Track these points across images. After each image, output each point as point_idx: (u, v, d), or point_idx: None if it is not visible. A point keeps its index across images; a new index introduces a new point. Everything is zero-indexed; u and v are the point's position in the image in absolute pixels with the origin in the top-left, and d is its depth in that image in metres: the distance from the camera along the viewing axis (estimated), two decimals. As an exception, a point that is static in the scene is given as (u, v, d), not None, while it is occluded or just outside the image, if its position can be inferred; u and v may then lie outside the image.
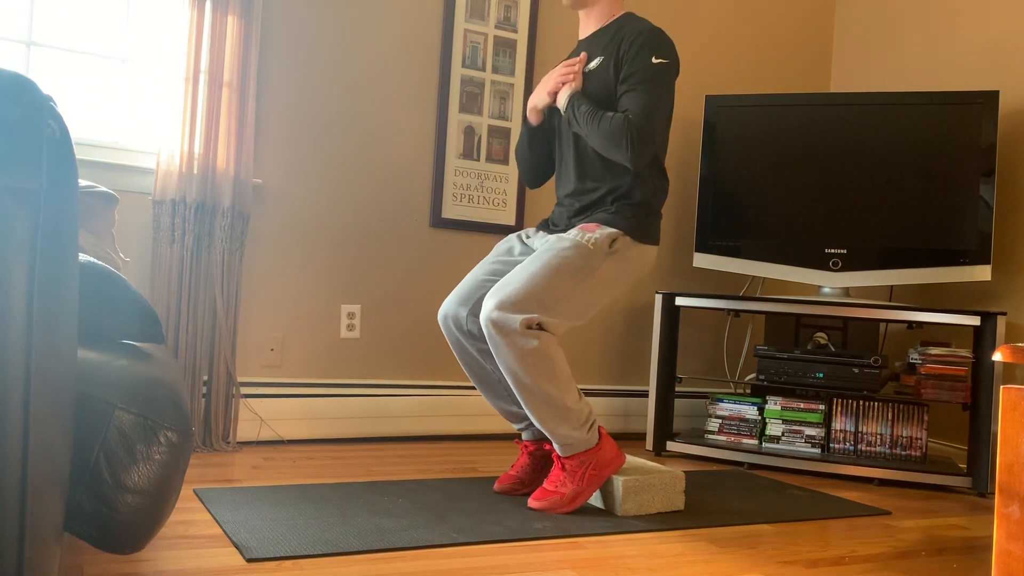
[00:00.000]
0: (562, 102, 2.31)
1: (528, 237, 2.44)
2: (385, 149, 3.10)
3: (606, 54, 2.30)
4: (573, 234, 2.23)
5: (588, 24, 2.42)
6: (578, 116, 2.25)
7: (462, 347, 2.35)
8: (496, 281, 2.34)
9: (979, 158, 3.00)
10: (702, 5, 3.69)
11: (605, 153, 2.23)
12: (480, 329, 2.30)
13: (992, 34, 3.29)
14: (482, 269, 2.39)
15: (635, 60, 2.23)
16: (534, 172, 2.53)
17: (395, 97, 3.10)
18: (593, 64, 2.33)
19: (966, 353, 2.92)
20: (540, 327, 2.12)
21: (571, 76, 2.31)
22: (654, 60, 2.23)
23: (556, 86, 2.34)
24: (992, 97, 2.98)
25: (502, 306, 2.09)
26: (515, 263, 2.38)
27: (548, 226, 2.43)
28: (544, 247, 2.23)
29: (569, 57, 2.43)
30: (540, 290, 2.12)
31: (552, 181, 3.23)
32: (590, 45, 2.38)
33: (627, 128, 2.16)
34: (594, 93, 2.29)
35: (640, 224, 2.28)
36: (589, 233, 2.22)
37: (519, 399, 2.17)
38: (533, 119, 2.43)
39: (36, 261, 0.91)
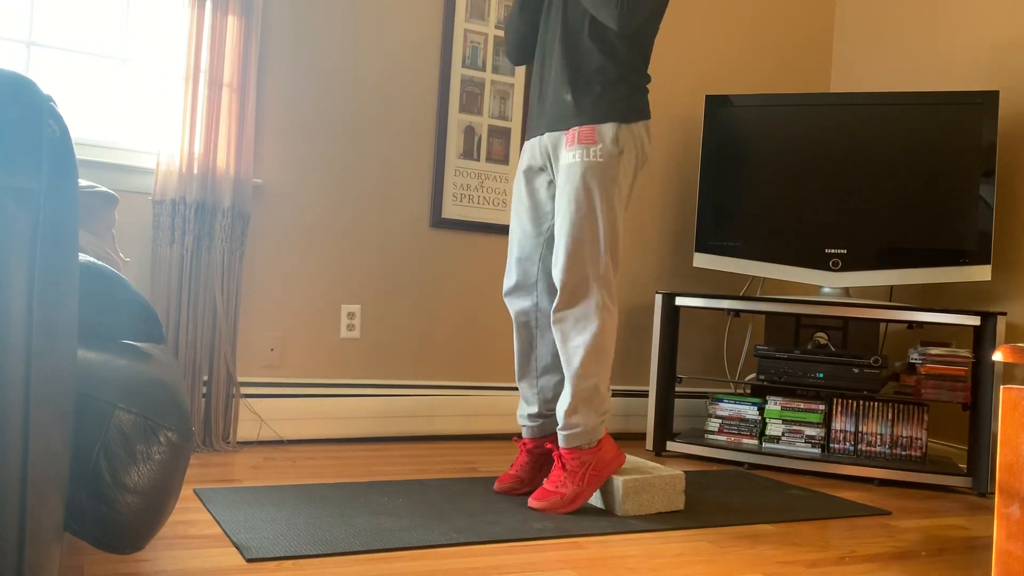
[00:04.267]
0: None
1: (541, 168, 2.40)
2: (385, 149, 3.10)
3: None
4: (578, 155, 2.24)
5: None
6: None
7: (530, 330, 2.43)
8: (539, 242, 2.39)
9: (979, 158, 2.99)
10: (702, 5, 3.69)
11: (594, 10, 2.22)
12: (549, 301, 2.40)
13: (992, 34, 3.29)
14: (518, 235, 2.42)
15: None
16: (521, 40, 2.50)
17: (395, 97, 3.10)
18: None
19: (966, 353, 2.92)
20: (608, 297, 2.23)
21: None
22: None
23: None
24: (992, 97, 2.98)
25: (565, 299, 2.22)
26: (544, 213, 2.39)
27: (536, 131, 2.39)
28: (562, 188, 2.26)
29: None
30: (587, 247, 2.21)
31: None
32: None
33: None
34: None
35: (629, 105, 2.28)
36: (592, 146, 2.24)
37: (569, 376, 2.24)
38: None
39: (36, 261, 0.91)
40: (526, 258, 2.41)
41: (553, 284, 2.38)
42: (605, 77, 2.27)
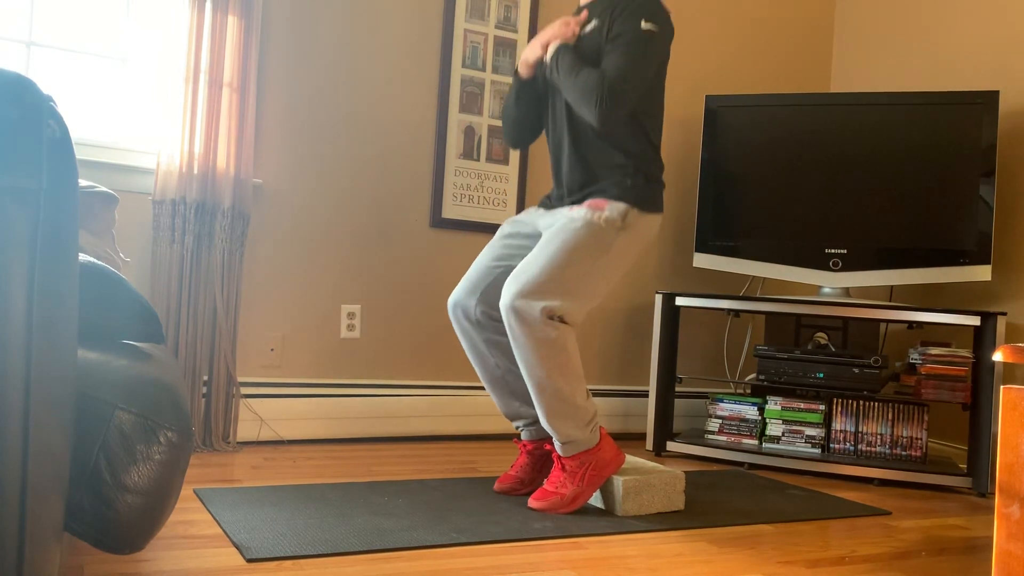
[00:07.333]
0: (549, 52, 2.31)
1: (531, 217, 2.43)
2: (385, 149, 3.10)
3: (602, 19, 2.29)
4: (583, 213, 2.23)
5: None
6: (560, 66, 2.25)
7: (470, 337, 2.38)
8: (503, 266, 2.37)
9: (979, 158, 3.00)
10: (702, 5, 3.69)
11: (576, 108, 2.23)
12: (488, 319, 2.35)
13: (992, 34, 3.29)
14: (488, 254, 2.41)
15: (623, 23, 2.22)
16: (518, 130, 2.50)
17: (395, 97, 3.10)
18: (589, 27, 2.32)
19: (966, 353, 2.92)
20: (561, 319, 2.15)
21: (566, 32, 2.31)
22: (643, 25, 2.21)
23: (550, 39, 2.33)
24: (992, 97, 2.98)
25: (522, 293, 2.13)
26: (521, 246, 2.39)
27: (548, 204, 2.42)
28: (556, 228, 2.23)
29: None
30: (559, 273, 2.15)
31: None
32: (591, 8, 2.37)
33: (600, 85, 2.16)
34: (586, 55, 2.28)
35: (645, 194, 2.28)
36: (599, 211, 2.23)
37: (530, 390, 2.19)
38: (524, 72, 2.42)
39: (36, 261, 0.91)
40: (475, 282, 2.37)
41: (494, 309, 2.36)
42: (623, 172, 2.28)
